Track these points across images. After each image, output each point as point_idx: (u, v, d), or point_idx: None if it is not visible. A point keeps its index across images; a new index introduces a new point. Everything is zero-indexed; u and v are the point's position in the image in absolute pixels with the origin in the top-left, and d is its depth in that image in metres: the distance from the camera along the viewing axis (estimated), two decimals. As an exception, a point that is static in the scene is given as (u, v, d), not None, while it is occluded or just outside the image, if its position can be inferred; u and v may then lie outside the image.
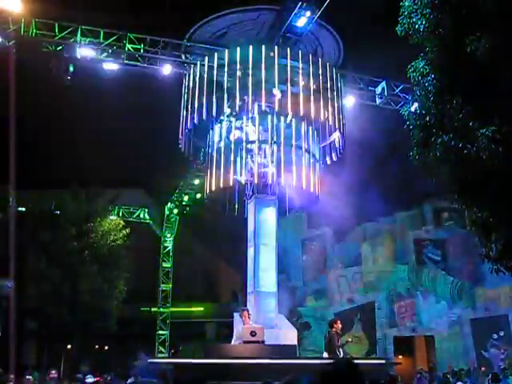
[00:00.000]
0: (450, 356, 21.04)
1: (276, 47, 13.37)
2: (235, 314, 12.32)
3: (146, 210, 26.87)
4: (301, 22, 13.12)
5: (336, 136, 14.16)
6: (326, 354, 10.51)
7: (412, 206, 24.60)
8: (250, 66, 13.09)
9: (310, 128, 13.98)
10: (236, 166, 13.31)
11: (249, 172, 13.50)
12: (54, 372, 15.58)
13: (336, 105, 13.83)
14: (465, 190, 7.93)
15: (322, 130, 14.24)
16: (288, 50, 13.35)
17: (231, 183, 13.35)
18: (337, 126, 13.80)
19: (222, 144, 13.70)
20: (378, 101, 16.54)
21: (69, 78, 14.31)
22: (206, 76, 13.52)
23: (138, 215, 26.61)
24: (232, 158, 13.28)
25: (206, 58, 13.73)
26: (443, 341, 21.53)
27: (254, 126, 13.37)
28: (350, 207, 18.45)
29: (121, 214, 25.25)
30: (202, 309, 31.04)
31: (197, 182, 21.78)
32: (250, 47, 13.24)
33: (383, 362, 11.26)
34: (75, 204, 22.18)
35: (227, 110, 13.76)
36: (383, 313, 22.56)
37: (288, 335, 12.13)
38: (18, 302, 17.66)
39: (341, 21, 15.06)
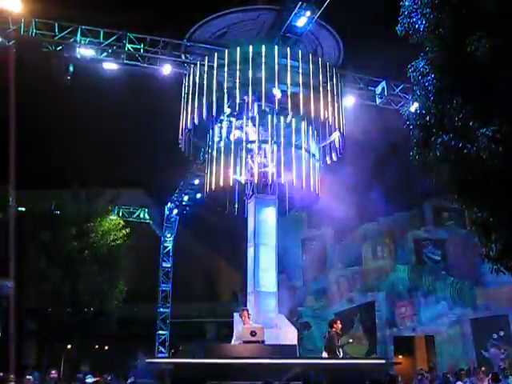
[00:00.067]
0: (450, 356, 21.04)
1: (276, 47, 13.37)
2: (235, 314, 12.32)
3: (146, 210, 26.87)
4: (301, 22, 13.11)
5: (336, 136, 14.16)
6: (325, 354, 10.49)
7: (412, 206, 24.60)
8: (250, 65, 13.10)
9: (310, 128, 13.99)
10: (236, 165, 13.31)
11: (249, 172, 13.50)
12: (54, 372, 15.61)
13: (336, 105, 13.83)
14: (465, 189, 7.92)
15: (321, 129, 14.25)
16: (288, 49, 13.35)
17: (231, 183, 13.35)
18: (337, 126, 13.80)
19: (222, 144, 13.69)
20: (378, 101, 16.53)
21: (69, 77, 14.31)
22: (205, 76, 13.52)
23: (138, 215, 26.59)
24: (232, 158, 13.28)
25: (206, 58, 13.74)
26: (443, 341, 21.53)
27: (254, 125, 13.37)
28: (350, 207, 18.44)
29: (121, 214, 25.23)
30: (201, 309, 31.03)
31: (197, 181, 21.76)
32: (250, 47, 13.25)
33: (383, 361, 11.24)
34: (75, 204, 22.18)
35: (227, 110, 13.77)
36: (383, 313, 22.54)
37: (288, 335, 12.13)
38: (17, 302, 17.66)
39: (341, 21, 15.06)
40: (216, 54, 13.65)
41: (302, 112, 13.18)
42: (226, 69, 13.28)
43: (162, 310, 25.55)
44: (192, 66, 14.27)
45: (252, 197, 13.57)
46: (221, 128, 13.91)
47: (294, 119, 13.57)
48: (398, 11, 8.32)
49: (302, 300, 24.73)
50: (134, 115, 26.35)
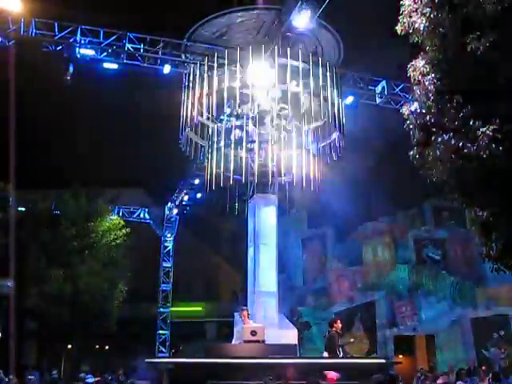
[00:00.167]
0: (450, 355, 21.03)
1: (276, 47, 13.36)
2: (235, 314, 12.33)
3: (146, 210, 26.88)
4: (301, 22, 13.08)
5: (336, 135, 14.16)
6: (325, 354, 10.49)
7: (412, 206, 24.60)
8: (250, 65, 13.08)
9: (310, 127, 13.98)
10: (236, 165, 13.31)
11: (249, 172, 13.50)
12: (54, 372, 15.62)
13: (336, 104, 13.83)
14: (465, 189, 7.92)
15: (321, 129, 14.25)
16: (288, 49, 13.34)
17: (231, 183, 13.35)
18: (336, 126, 13.80)
19: (222, 144, 13.69)
20: (377, 100, 16.54)
21: (69, 77, 14.31)
22: (206, 76, 13.52)
23: (138, 215, 26.61)
24: (232, 158, 13.28)
25: (206, 58, 13.73)
26: (444, 340, 21.52)
27: (254, 125, 13.37)
28: (350, 207, 18.46)
29: (121, 214, 25.22)
30: (201, 309, 31.04)
31: (197, 181, 21.76)
32: (250, 47, 13.23)
33: (383, 361, 11.22)
34: (75, 204, 22.16)
35: (227, 110, 13.77)
36: (383, 312, 22.52)
37: (288, 335, 12.12)
38: (17, 302, 17.66)
39: (341, 21, 15.05)
40: (216, 54, 13.65)
41: (302, 112, 13.18)
42: (225, 69, 13.27)
43: (162, 309, 25.57)
44: (192, 65, 14.27)
45: (252, 197, 13.57)
46: (221, 128, 13.91)
47: (294, 119, 13.57)
48: (398, 11, 8.31)
49: (302, 300, 24.71)
50: (134, 115, 26.37)
